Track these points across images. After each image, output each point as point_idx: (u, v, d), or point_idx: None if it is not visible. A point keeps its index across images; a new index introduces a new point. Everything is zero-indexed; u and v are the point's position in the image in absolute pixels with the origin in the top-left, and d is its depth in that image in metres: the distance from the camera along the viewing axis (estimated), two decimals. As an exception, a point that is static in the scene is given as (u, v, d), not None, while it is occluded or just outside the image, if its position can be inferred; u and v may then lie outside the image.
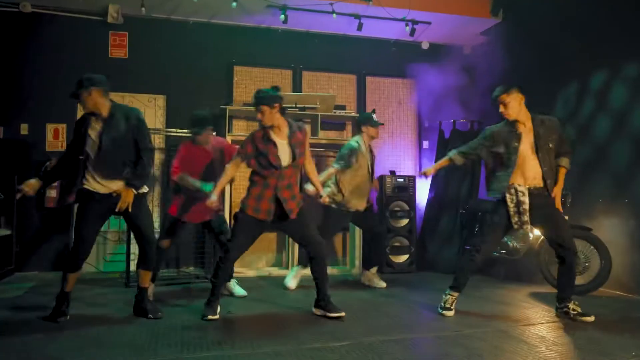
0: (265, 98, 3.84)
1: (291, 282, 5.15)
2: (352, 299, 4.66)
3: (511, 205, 3.91)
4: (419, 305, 4.49)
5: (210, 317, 3.84)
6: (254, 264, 6.29)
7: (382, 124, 5.48)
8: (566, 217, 4.30)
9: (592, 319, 3.87)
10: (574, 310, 3.94)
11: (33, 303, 4.31)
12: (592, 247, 4.92)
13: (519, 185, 3.91)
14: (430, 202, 6.79)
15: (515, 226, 3.94)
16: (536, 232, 5.20)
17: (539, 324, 3.85)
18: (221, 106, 6.20)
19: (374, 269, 5.46)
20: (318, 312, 4.04)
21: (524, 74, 5.88)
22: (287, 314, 4.10)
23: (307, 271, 4.46)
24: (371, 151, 5.30)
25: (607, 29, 5.19)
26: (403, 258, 6.29)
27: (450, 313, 4.05)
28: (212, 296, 3.93)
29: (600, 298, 4.76)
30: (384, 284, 5.32)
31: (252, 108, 6.04)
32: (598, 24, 5.28)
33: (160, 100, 6.43)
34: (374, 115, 5.25)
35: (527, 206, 3.88)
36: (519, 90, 3.94)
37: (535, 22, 6.12)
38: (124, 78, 6.14)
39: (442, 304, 4.10)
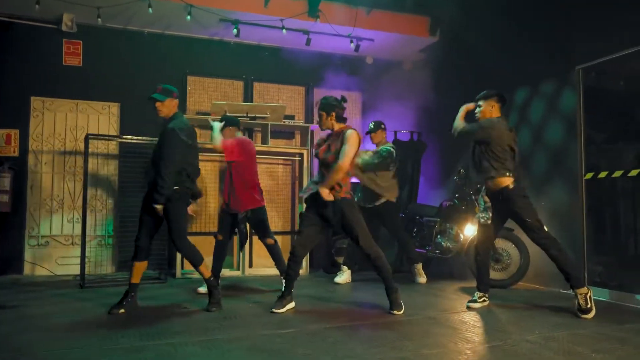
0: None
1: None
2: (298, 295, 4.97)
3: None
4: (358, 299, 4.90)
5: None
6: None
7: None
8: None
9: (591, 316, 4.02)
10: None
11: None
12: (513, 245, 5.44)
13: None
14: (373, 206, 7.20)
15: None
16: (467, 233, 5.73)
17: (463, 312, 4.32)
18: (175, 114, 6.42)
19: None
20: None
21: (459, 89, 6.38)
22: (238, 307, 4.39)
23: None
24: None
25: (529, 51, 5.74)
26: (348, 259, 6.66)
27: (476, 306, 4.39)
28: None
29: (518, 290, 5.34)
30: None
31: (205, 117, 6.39)
32: (521, 46, 5.83)
33: (114, 108, 6.59)
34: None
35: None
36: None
37: (468, 42, 6.64)
38: (78, 86, 6.30)
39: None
